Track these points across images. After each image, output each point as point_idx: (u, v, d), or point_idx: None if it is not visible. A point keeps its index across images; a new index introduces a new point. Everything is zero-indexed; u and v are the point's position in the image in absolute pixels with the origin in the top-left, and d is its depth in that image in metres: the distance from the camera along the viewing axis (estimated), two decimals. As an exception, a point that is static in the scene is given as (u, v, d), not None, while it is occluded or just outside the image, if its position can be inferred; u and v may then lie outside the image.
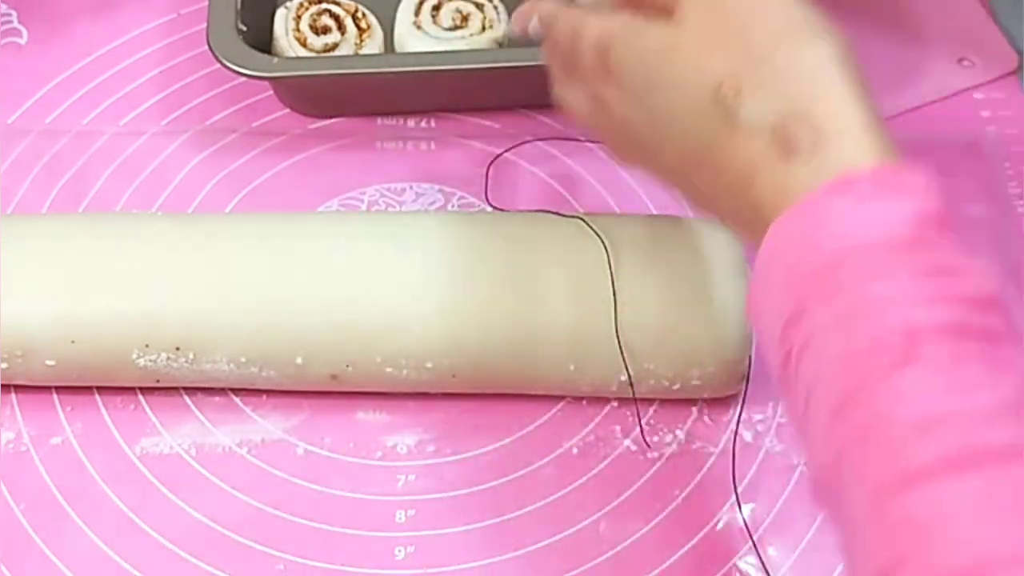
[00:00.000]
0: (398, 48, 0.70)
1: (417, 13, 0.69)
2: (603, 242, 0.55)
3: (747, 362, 0.55)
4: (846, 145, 0.38)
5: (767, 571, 0.53)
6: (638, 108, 0.43)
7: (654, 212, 0.63)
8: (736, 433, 0.57)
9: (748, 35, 0.40)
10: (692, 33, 0.41)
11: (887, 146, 0.38)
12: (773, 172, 0.38)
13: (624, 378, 0.55)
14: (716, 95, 0.40)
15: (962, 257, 0.36)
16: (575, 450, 0.57)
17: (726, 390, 0.57)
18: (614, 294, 0.53)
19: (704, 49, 0.41)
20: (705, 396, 0.57)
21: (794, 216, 0.37)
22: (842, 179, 0.37)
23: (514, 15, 0.52)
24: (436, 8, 0.69)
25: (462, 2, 0.70)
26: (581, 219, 0.56)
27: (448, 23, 0.69)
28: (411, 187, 0.67)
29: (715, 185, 0.41)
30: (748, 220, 0.40)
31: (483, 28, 0.69)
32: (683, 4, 0.42)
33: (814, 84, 0.39)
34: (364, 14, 0.70)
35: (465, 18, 0.69)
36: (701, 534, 0.55)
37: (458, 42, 0.68)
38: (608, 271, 0.54)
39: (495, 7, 0.70)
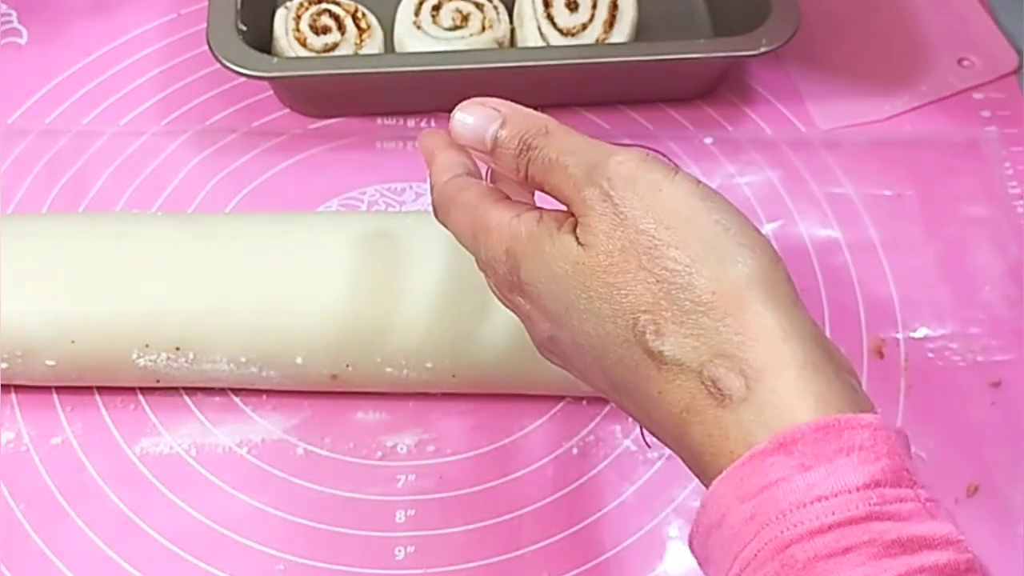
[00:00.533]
0: (398, 48, 0.70)
1: (417, 13, 0.69)
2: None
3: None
4: (780, 388, 0.34)
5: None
6: (559, 329, 0.40)
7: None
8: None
9: (661, 258, 0.36)
10: (601, 254, 0.37)
11: (827, 379, 0.35)
12: (706, 419, 0.35)
13: (624, 378, 0.54)
14: (635, 329, 0.37)
15: (924, 522, 0.32)
16: (575, 450, 0.57)
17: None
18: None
19: (617, 276, 0.37)
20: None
21: (735, 480, 0.34)
22: (781, 438, 0.33)
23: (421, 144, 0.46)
24: (436, 8, 0.69)
25: (462, 2, 0.70)
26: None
27: (448, 23, 0.69)
28: (411, 187, 0.67)
29: (650, 418, 0.38)
30: (688, 459, 0.37)
31: (483, 28, 0.69)
32: (589, 217, 0.38)
33: (738, 317, 0.35)
34: (364, 14, 0.70)
35: (465, 18, 0.69)
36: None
37: (458, 42, 0.68)
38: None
39: (495, 7, 0.70)
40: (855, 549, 0.32)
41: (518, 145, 0.41)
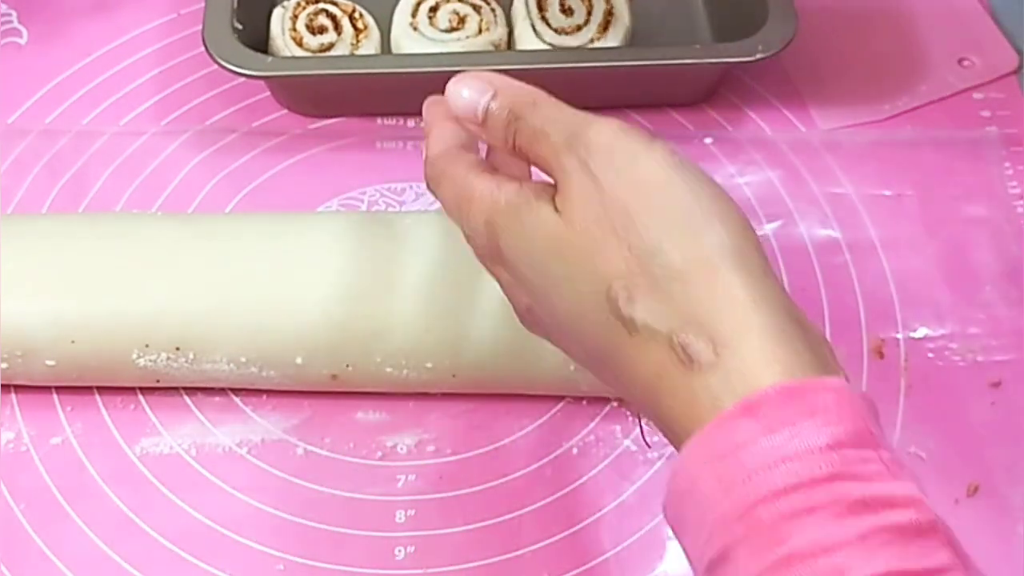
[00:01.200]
0: (395, 49, 0.70)
1: (414, 14, 0.69)
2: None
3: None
4: (748, 355, 0.35)
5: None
6: (536, 299, 0.41)
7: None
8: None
9: (634, 228, 0.37)
10: (578, 224, 0.38)
11: (795, 348, 0.35)
12: (676, 385, 0.36)
13: (624, 378, 0.54)
14: (609, 296, 0.37)
15: (887, 481, 0.33)
16: (575, 450, 0.57)
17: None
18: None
19: (591, 244, 0.38)
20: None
21: (703, 445, 0.35)
22: (747, 402, 0.34)
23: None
24: (433, 10, 0.69)
25: (459, 4, 0.70)
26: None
27: (445, 25, 0.69)
28: (411, 187, 0.67)
29: (624, 386, 0.39)
30: (663, 428, 0.38)
31: (480, 31, 0.69)
32: (567, 186, 0.39)
33: (708, 284, 0.36)
34: (361, 14, 0.70)
35: (462, 20, 0.69)
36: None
37: (454, 44, 0.68)
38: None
39: (492, 9, 0.70)
40: (819, 509, 0.32)
41: (507, 116, 0.41)
